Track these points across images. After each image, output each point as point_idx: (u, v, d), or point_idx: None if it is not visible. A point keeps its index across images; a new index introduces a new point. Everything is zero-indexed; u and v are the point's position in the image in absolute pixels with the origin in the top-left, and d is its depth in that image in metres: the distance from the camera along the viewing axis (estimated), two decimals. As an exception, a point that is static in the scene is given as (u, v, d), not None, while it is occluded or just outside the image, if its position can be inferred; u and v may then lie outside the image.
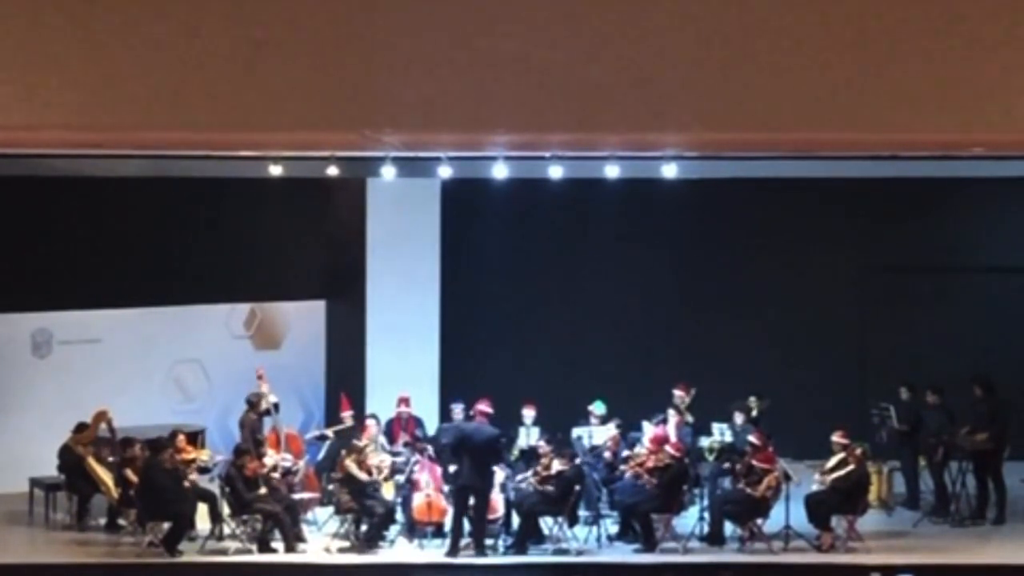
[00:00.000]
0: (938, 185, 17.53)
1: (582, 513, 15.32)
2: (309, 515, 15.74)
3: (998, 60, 9.53)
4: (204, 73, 9.64)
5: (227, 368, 18.00)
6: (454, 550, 14.69)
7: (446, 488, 15.20)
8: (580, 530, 15.15)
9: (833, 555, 14.77)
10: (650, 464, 15.09)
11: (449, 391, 17.38)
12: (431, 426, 16.60)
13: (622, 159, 14.28)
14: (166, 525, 14.75)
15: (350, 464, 14.96)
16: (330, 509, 15.43)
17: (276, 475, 15.26)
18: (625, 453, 15.71)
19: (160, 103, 9.76)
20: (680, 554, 14.77)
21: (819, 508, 15.06)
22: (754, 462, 15.05)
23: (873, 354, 18.93)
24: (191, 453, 15.46)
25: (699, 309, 18.89)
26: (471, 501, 14.77)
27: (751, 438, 15.36)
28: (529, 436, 15.91)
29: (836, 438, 15.36)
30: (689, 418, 16.25)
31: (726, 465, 15.62)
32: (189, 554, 14.70)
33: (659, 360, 18.24)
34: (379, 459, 15.26)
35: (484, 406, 15.14)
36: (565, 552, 14.81)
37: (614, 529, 15.36)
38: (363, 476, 14.94)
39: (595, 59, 9.61)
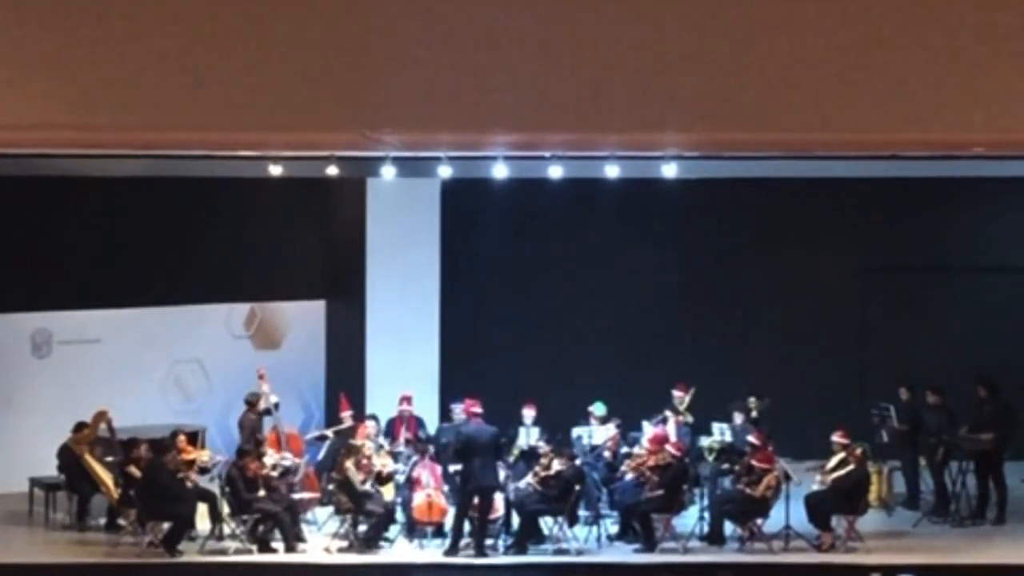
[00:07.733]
0: (938, 185, 17.51)
1: (582, 513, 15.32)
2: (309, 515, 15.75)
3: (998, 60, 9.52)
4: (204, 73, 9.64)
5: (227, 368, 18.00)
6: (454, 549, 14.69)
7: (446, 488, 15.21)
8: (580, 530, 15.15)
9: (833, 555, 14.77)
10: (651, 463, 15.10)
11: (449, 391, 17.38)
12: (432, 426, 16.61)
13: (622, 159, 14.27)
14: (166, 525, 14.76)
15: (349, 466, 14.95)
16: (330, 509, 15.44)
17: (275, 475, 15.26)
18: (625, 450, 15.71)
19: (160, 103, 9.75)
20: (680, 554, 14.78)
21: (819, 508, 15.06)
22: (754, 462, 15.06)
23: (873, 354, 18.91)
24: (192, 454, 15.47)
25: (699, 309, 18.87)
26: (476, 501, 14.76)
27: (750, 438, 15.37)
28: (529, 436, 15.90)
29: (836, 438, 15.36)
30: (689, 418, 16.25)
31: (726, 465, 15.63)
32: (189, 554, 14.71)
33: (659, 360, 18.21)
34: (382, 463, 15.24)
35: (475, 407, 15.13)
36: (565, 552, 14.81)
37: (614, 529, 15.36)
38: (360, 478, 14.91)
39: (595, 59, 9.60)
